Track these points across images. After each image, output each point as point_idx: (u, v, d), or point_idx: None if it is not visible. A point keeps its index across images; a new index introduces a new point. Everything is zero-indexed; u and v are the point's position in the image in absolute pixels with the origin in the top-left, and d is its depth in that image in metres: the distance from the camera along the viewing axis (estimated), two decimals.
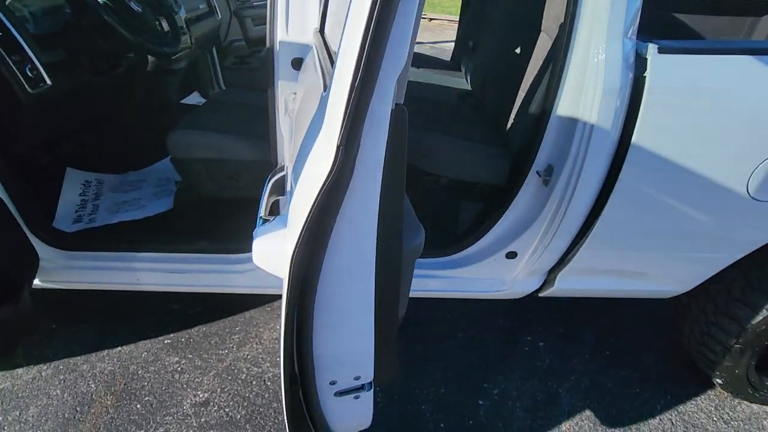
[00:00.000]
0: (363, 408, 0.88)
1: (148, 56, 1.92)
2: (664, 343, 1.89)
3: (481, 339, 1.89)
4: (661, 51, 1.06)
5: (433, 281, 1.48)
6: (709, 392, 1.70)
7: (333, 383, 0.82)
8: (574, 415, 1.60)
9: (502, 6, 1.86)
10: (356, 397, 0.85)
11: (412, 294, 1.54)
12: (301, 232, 0.63)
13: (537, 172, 1.28)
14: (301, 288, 0.69)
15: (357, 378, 0.83)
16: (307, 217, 0.62)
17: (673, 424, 1.59)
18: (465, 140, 1.49)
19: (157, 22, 1.89)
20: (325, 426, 0.86)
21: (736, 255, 1.34)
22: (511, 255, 1.42)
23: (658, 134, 1.13)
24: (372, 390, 0.86)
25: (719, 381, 1.58)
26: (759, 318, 1.37)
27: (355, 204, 0.64)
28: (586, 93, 1.11)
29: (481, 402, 1.64)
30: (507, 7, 1.80)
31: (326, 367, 0.80)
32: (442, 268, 1.48)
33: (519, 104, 1.42)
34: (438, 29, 7.04)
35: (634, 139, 1.13)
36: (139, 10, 1.78)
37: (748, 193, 1.18)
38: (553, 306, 2.05)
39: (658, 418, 1.61)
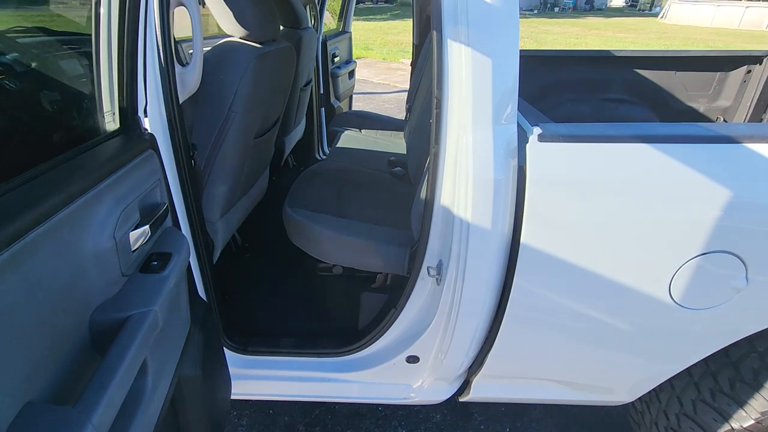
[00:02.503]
0: None
1: None
2: None
3: None
4: (541, 139, 0.90)
5: (327, 385, 1.28)
6: None
7: None
8: None
9: (430, 66, 1.75)
10: None
11: (310, 399, 1.35)
12: None
13: (428, 269, 1.10)
14: None
15: None
16: None
17: None
18: (362, 224, 1.33)
19: None
20: None
21: (675, 367, 1.11)
22: (413, 359, 1.22)
23: (550, 232, 0.94)
24: None
25: None
26: None
27: None
28: (459, 184, 0.94)
29: None
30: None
31: None
32: (338, 371, 1.28)
33: (419, 185, 1.26)
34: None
35: (523, 237, 0.95)
36: None
37: (673, 299, 0.97)
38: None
39: None
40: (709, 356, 1.12)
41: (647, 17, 25.12)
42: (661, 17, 23.16)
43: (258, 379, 1.30)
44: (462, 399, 1.33)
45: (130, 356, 0.56)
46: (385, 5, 23.73)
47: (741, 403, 1.09)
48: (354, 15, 3.23)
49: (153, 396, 0.68)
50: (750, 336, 1.06)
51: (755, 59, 2.32)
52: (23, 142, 0.72)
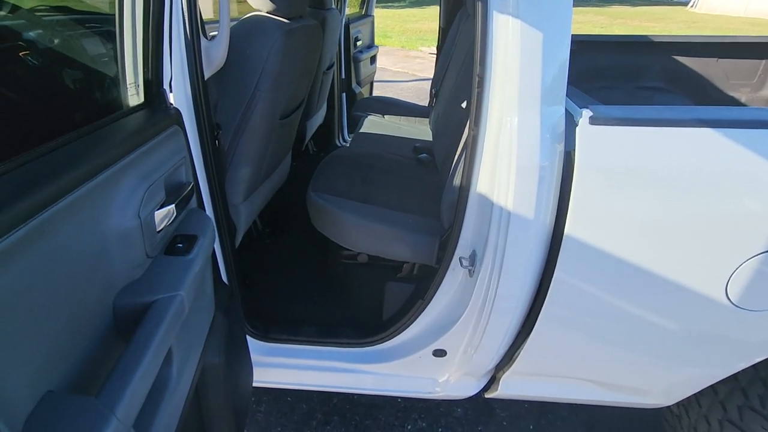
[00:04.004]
0: None
1: None
2: None
3: None
4: (593, 122, 0.83)
5: (350, 376, 1.24)
6: None
7: None
8: None
9: (459, 49, 1.66)
10: None
11: (331, 390, 1.32)
12: None
13: (460, 259, 1.04)
14: None
15: None
16: None
17: None
18: (387, 210, 1.27)
19: None
20: None
21: (722, 372, 1.03)
22: (440, 353, 1.17)
23: (599, 223, 0.87)
24: None
25: None
26: None
27: None
28: (500, 170, 0.88)
29: None
30: (463, 51, 1.60)
31: None
32: (361, 362, 1.24)
33: (451, 170, 1.20)
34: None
35: (567, 228, 0.88)
36: None
37: (729, 299, 0.90)
38: None
39: None
40: (759, 362, 1.05)
41: (676, 6, 24.19)
42: (691, 6, 22.27)
43: (278, 367, 1.26)
44: (488, 395, 1.28)
45: (156, 344, 0.52)
46: None
47: None
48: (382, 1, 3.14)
49: (178, 385, 0.65)
50: None
51: None
52: (42, 114, 0.68)
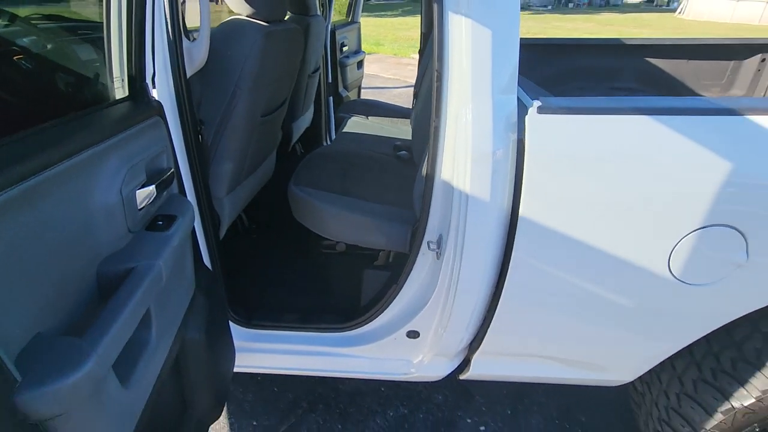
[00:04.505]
0: None
1: None
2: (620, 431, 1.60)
3: (413, 419, 1.66)
4: (541, 110, 0.91)
5: (328, 360, 1.30)
6: None
7: None
8: None
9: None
10: None
11: (312, 373, 1.38)
12: None
13: (428, 244, 1.11)
14: None
15: None
16: None
17: None
18: (364, 201, 1.35)
19: None
20: None
21: (675, 345, 1.11)
22: (413, 334, 1.23)
23: (549, 205, 0.95)
24: None
25: None
26: (710, 421, 1.11)
27: None
28: (459, 158, 0.95)
29: None
30: None
31: None
32: (340, 345, 1.30)
33: (422, 162, 1.28)
34: None
35: (522, 210, 0.96)
36: None
37: (672, 274, 0.97)
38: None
39: None
40: (711, 337, 1.12)
41: (665, 12, 24.64)
42: (679, 13, 22.69)
43: (261, 352, 1.32)
44: (462, 377, 1.34)
45: (134, 301, 0.58)
46: (397, 2, 23.66)
47: (742, 382, 1.09)
48: (365, 11, 3.26)
49: (156, 349, 0.71)
50: (753, 316, 1.06)
51: None
52: (33, 100, 0.75)
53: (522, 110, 0.94)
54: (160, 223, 0.75)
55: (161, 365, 0.73)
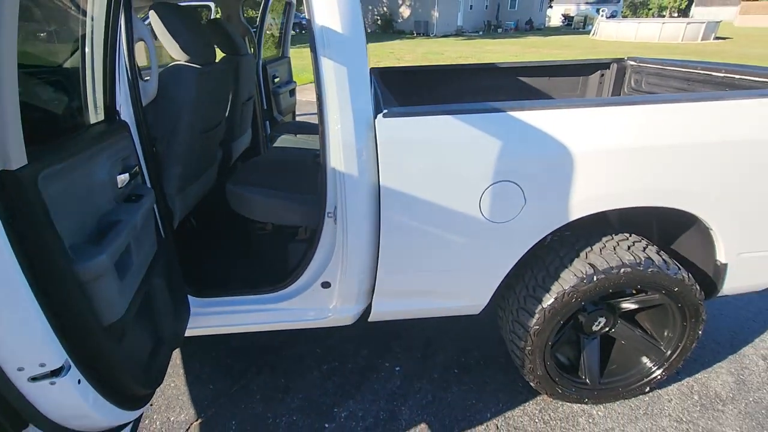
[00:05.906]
0: (67, 395, 0.88)
1: None
2: (509, 357, 2.10)
3: (342, 369, 2.08)
4: (385, 116, 1.41)
5: (265, 314, 1.71)
6: (537, 397, 1.89)
7: (21, 369, 0.85)
8: (409, 429, 1.77)
9: None
10: (52, 383, 0.87)
11: (252, 327, 1.78)
12: None
13: (327, 213, 1.57)
14: None
15: (42, 365, 0.85)
16: None
17: (498, 428, 1.77)
18: (285, 192, 1.80)
19: None
20: (35, 413, 0.89)
21: (501, 271, 1.61)
22: (326, 285, 1.67)
23: (398, 176, 1.44)
24: (75, 378, 0.90)
25: (532, 383, 1.79)
26: (533, 321, 1.62)
27: None
28: (338, 150, 1.43)
29: (327, 425, 1.80)
30: None
31: (7, 355, 0.83)
32: (273, 302, 1.71)
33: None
34: None
35: (381, 181, 1.44)
36: None
37: (483, 215, 1.48)
38: (417, 333, 2.27)
39: (485, 424, 1.79)
40: (533, 264, 1.64)
41: (581, 35, 27.32)
42: (593, 34, 25.29)
43: (211, 314, 1.71)
44: (370, 319, 1.78)
45: (123, 235, 1.00)
46: None
47: (547, 290, 1.61)
48: (298, 43, 3.75)
49: (135, 270, 1.13)
50: (554, 245, 1.60)
51: (605, 66, 2.98)
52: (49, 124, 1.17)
53: (376, 116, 1.43)
54: (133, 198, 1.17)
55: (138, 281, 1.14)
